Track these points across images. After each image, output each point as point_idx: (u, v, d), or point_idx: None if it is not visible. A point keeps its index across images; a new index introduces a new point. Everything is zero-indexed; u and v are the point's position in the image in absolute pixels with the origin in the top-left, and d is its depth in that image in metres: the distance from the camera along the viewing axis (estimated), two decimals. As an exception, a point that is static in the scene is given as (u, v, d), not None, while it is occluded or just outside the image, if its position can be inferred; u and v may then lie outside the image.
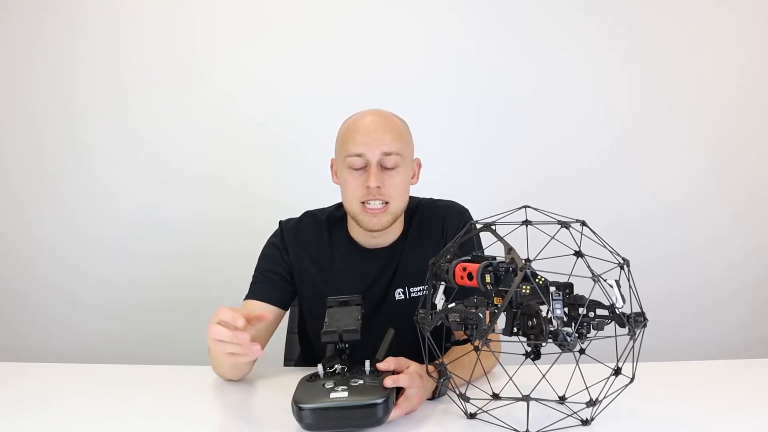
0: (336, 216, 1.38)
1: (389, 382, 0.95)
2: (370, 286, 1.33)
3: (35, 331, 2.32)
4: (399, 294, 1.33)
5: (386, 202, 1.25)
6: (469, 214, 1.38)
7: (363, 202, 1.25)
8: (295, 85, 2.27)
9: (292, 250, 1.34)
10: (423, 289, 1.31)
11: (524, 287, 0.87)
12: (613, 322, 0.89)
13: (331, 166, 1.35)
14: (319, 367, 0.99)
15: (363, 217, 1.26)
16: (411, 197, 1.40)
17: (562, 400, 1.04)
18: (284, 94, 2.27)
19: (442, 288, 0.98)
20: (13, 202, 2.31)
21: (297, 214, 1.42)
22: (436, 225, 1.36)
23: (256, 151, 2.28)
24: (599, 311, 0.90)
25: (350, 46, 2.26)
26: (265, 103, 2.27)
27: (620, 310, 0.89)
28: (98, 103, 2.28)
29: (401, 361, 1.01)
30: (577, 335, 0.86)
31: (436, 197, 1.43)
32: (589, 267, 0.88)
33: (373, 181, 1.22)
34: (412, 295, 1.33)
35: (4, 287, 2.33)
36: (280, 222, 1.39)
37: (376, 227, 1.26)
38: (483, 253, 0.98)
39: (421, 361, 1.04)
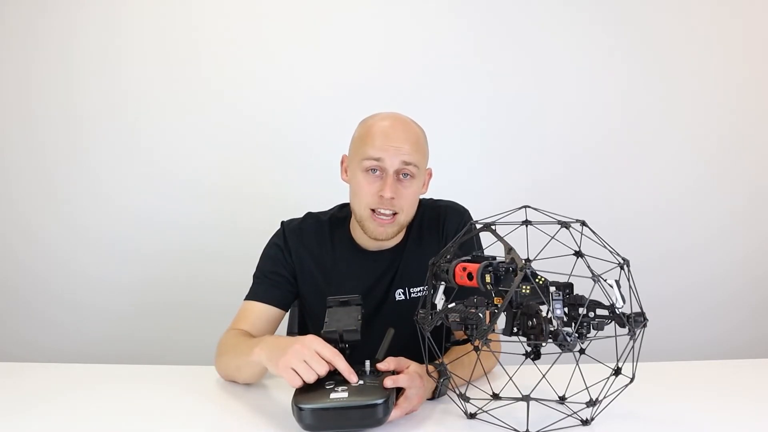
0: (338, 217, 1.38)
1: (389, 382, 0.95)
2: (371, 288, 1.32)
3: (35, 331, 2.31)
4: (399, 294, 1.33)
5: (395, 213, 1.24)
6: (469, 214, 1.38)
7: (372, 209, 1.24)
8: (296, 86, 2.26)
9: (295, 251, 1.34)
10: (423, 290, 1.31)
11: (524, 287, 0.87)
12: (613, 322, 0.90)
13: (342, 162, 1.33)
14: (319, 367, 0.99)
15: (370, 224, 1.25)
16: None
17: (562, 400, 1.04)
18: (285, 95, 2.27)
19: (442, 288, 0.98)
20: (13, 203, 2.31)
21: (298, 215, 1.41)
22: (436, 225, 1.36)
23: (256, 152, 2.27)
24: (599, 311, 0.90)
25: (351, 46, 2.26)
26: (266, 103, 2.27)
27: (620, 310, 0.89)
28: (98, 103, 2.27)
29: (401, 361, 1.01)
30: (577, 335, 0.86)
31: (436, 197, 1.43)
32: (589, 267, 0.88)
33: (388, 191, 1.20)
34: (412, 295, 1.33)
35: (4, 287, 2.33)
36: (282, 223, 1.39)
37: (382, 236, 1.26)
38: (482, 253, 0.98)
39: (420, 361, 1.04)
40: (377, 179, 1.23)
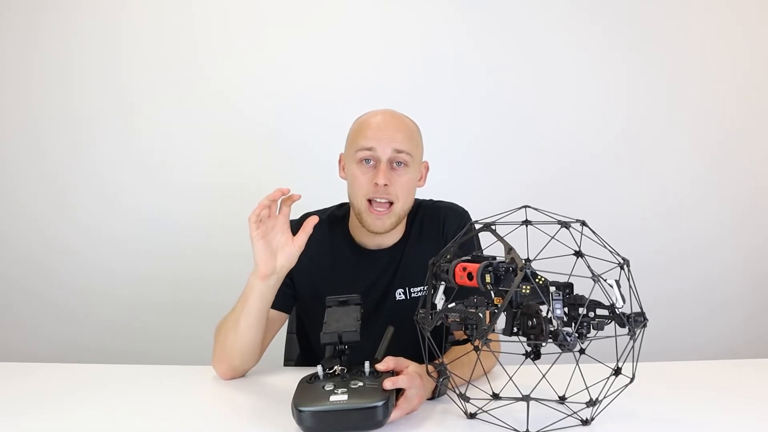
0: (337, 215, 1.38)
1: (388, 384, 0.94)
2: (370, 287, 1.32)
3: (35, 330, 2.32)
4: (399, 294, 1.33)
5: (391, 203, 1.25)
6: (469, 215, 1.38)
7: (369, 201, 1.25)
8: (296, 86, 2.27)
9: None
10: (423, 290, 1.31)
11: (524, 287, 0.87)
12: (613, 322, 0.89)
13: (339, 161, 1.35)
14: (319, 369, 0.99)
15: (368, 217, 1.26)
16: None
17: (562, 400, 1.04)
18: (285, 95, 2.27)
19: (442, 288, 0.98)
20: (15, 202, 2.31)
21: (298, 214, 1.41)
22: (437, 226, 1.36)
23: (256, 151, 2.28)
24: (599, 311, 0.90)
25: (351, 46, 2.26)
26: (266, 103, 2.27)
27: (620, 310, 0.89)
28: (98, 103, 2.27)
29: (400, 362, 1.01)
30: (577, 335, 0.86)
31: (437, 198, 1.44)
32: (589, 267, 0.88)
33: (381, 178, 1.22)
34: (413, 295, 1.33)
35: (4, 286, 2.33)
36: None
37: (380, 229, 1.26)
38: (482, 252, 0.98)
39: (420, 361, 1.03)
40: (371, 169, 1.25)
